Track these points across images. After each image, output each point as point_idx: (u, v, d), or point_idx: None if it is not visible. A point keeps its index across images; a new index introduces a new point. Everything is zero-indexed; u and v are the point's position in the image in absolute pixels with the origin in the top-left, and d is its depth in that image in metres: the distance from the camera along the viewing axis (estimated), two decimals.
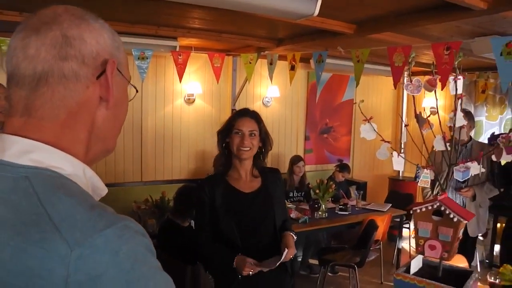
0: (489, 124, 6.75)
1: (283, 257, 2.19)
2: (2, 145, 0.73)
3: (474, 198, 4.32)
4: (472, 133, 4.69)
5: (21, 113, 0.74)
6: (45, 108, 0.74)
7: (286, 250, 2.22)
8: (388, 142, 2.04)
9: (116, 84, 0.81)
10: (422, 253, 2.05)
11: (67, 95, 0.75)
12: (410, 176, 7.45)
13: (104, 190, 0.84)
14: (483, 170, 2.03)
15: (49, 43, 0.73)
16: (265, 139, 2.46)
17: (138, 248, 0.67)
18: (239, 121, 2.39)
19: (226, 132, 2.41)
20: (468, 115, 4.50)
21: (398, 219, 5.56)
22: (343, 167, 6.18)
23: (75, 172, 0.75)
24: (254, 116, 2.45)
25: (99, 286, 0.61)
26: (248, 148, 2.37)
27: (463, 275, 2.06)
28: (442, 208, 1.94)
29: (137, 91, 0.95)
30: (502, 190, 4.27)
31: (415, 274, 2.06)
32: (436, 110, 2.19)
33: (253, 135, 2.38)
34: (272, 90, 6.53)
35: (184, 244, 3.45)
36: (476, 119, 6.69)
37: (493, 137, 3.88)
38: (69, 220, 0.64)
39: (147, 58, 4.60)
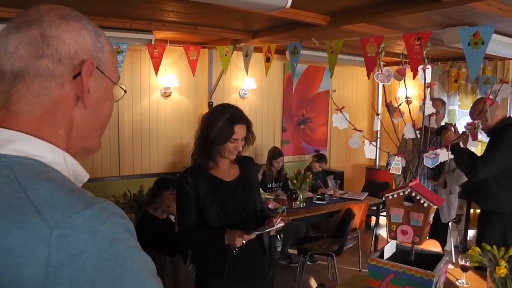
0: (462, 112, 6.90)
1: (276, 225, 2.34)
2: None
3: (445, 185, 4.43)
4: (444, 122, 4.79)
5: (1, 106, 0.78)
6: (21, 103, 0.77)
7: (279, 221, 2.36)
8: (360, 131, 2.08)
9: (97, 84, 0.84)
10: (395, 238, 2.11)
11: (41, 92, 0.77)
12: (386, 166, 7.57)
13: (86, 176, 0.87)
14: (451, 156, 2.09)
15: (27, 41, 0.76)
16: (248, 137, 2.50)
17: (116, 228, 0.71)
18: (236, 130, 2.40)
19: (225, 139, 2.40)
20: (443, 104, 4.60)
21: (375, 207, 5.66)
22: (320, 157, 6.25)
23: (55, 160, 0.78)
24: (246, 121, 2.47)
25: (79, 263, 0.65)
26: (238, 151, 2.46)
27: (435, 258, 2.12)
28: (413, 194, 1.99)
29: (125, 91, 0.97)
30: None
31: (388, 259, 2.12)
32: (409, 99, 2.25)
33: (244, 139, 2.46)
34: (248, 82, 6.55)
35: (162, 236, 3.46)
36: (449, 108, 6.84)
37: (442, 127, 3.95)
38: (49, 203, 0.68)
39: (122, 52, 4.57)
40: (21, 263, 0.64)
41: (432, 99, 4.52)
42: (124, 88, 0.96)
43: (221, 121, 2.40)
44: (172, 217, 3.70)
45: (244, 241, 2.25)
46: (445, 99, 6.72)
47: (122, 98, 1.00)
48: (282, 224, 2.37)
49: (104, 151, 5.62)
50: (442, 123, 4.64)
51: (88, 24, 0.84)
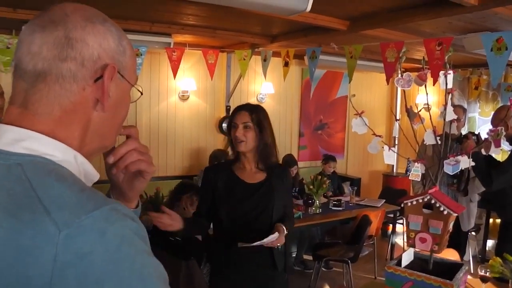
0: (482, 120, 6.80)
1: (266, 240, 2.22)
2: None
3: (465, 193, 4.36)
4: (465, 130, 4.73)
5: (19, 104, 0.78)
6: (40, 104, 0.77)
7: (276, 234, 2.26)
8: (379, 136, 2.06)
9: (116, 87, 0.83)
10: (413, 245, 2.07)
11: (62, 94, 0.77)
12: (404, 172, 7.48)
13: (96, 176, 0.86)
14: (472, 164, 2.05)
15: (52, 43, 0.76)
16: (261, 130, 2.43)
17: (125, 230, 0.69)
18: (235, 115, 2.46)
19: (229, 127, 2.51)
20: (464, 112, 4.55)
21: (392, 215, 5.59)
22: (327, 158, 6.24)
23: (66, 158, 0.77)
24: (249, 108, 2.48)
25: (86, 265, 0.64)
26: (241, 141, 2.41)
27: (454, 268, 2.08)
28: (433, 201, 1.96)
29: (141, 93, 0.97)
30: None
31: (406, 267, 2.09)
32: (429, 106, 2.20)
33: (247, 127, 2.41)
34: (266, 87, 6.54)
35: (178, 239, 3.46)
36: (469, 115, 6.75)
37: (463, 136, 3.90)
38: (59, 203, 0.67)
39: (141, 55, 4.61)
40: (28, 262, 0.63)
41: (453, 105, 4.46)
42: (141, 90, 0.95)
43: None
44: None
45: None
46: (465, 106, 6.64)
47: (139, 99, 0.99)
48: (272, 236, 2.24)
49: None
50: (462, 131, 4.58)
51: (112, 26, 0.84)
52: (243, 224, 2.40)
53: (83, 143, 0.82)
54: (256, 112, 2.47)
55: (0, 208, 0.67)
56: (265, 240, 2.22)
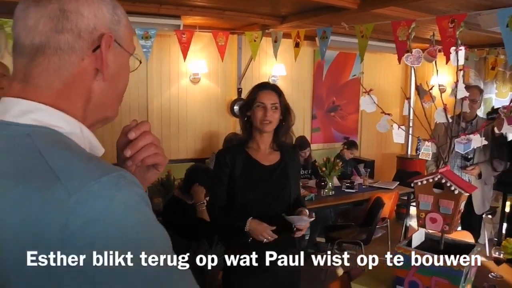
0: (499, 101, 6.64)
1: (305, 222, 2.31)
2: (3, 107, 0.78)
3: (480, 176, 4.28)
4: (481, 111, 4.62)
5: (20, 79, 0.80)
6: (41, 77, 0.79)
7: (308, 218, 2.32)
8: (389, 114, 2.02)
9: (114, 57, 0.85)
10: (423, 226, 2.04)
11: (61, 66, 0.79)
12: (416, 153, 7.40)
13: (101, 150, 0.87)
14: (485, 142, 2.00)
15: (47, 16, 0.77)
16: (286, 113, 2.47)
17: (132, 196, 0.70)
18: (261, 94, 2.40)
19: (249, 106, 2.43)
20: (481, 93, 4.42)
21: (406, 197, 5.54)
22: (350, 144, 6.14)
23: (72, 130, 0.79)
24: (275, 89, 2.47)
25: (94, 230, 0.65)
26: (270, 121, 2.39)
27: (466, 249, 2.04)
28: (443, 181, 1.92)
29: (140, 62, 0.99)
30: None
31: (417, 247, 2.06)
32: (443, 87, 2.15)
33: (274, 108, 2.40)
34: (278, 69, 6.48)
35: (189, 221, 3.47)
36: (485, 96, 6.60)
37: (493, 111, 3.81)
38: (68, 170, 0.69)
39: (151, 38, 4.59)
40: (39, 228, 0.64)
41: (469, 86, 4.36)
42: (139, 59, 0.97)
43: (251, 90, 2.47)
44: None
45: (265, 240, 2.25)
46: (481, 86, 6.50)
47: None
48: (307, 219, 2.33)
49: None
50: (478, 112, 4.48)
51: None
52: (264, 207, 2.39)
53: (85, 114, 0.84)
54: (282, 94, 2.47)
55: (12, 175, 0.69)
56: (306, 219, 2.31)
